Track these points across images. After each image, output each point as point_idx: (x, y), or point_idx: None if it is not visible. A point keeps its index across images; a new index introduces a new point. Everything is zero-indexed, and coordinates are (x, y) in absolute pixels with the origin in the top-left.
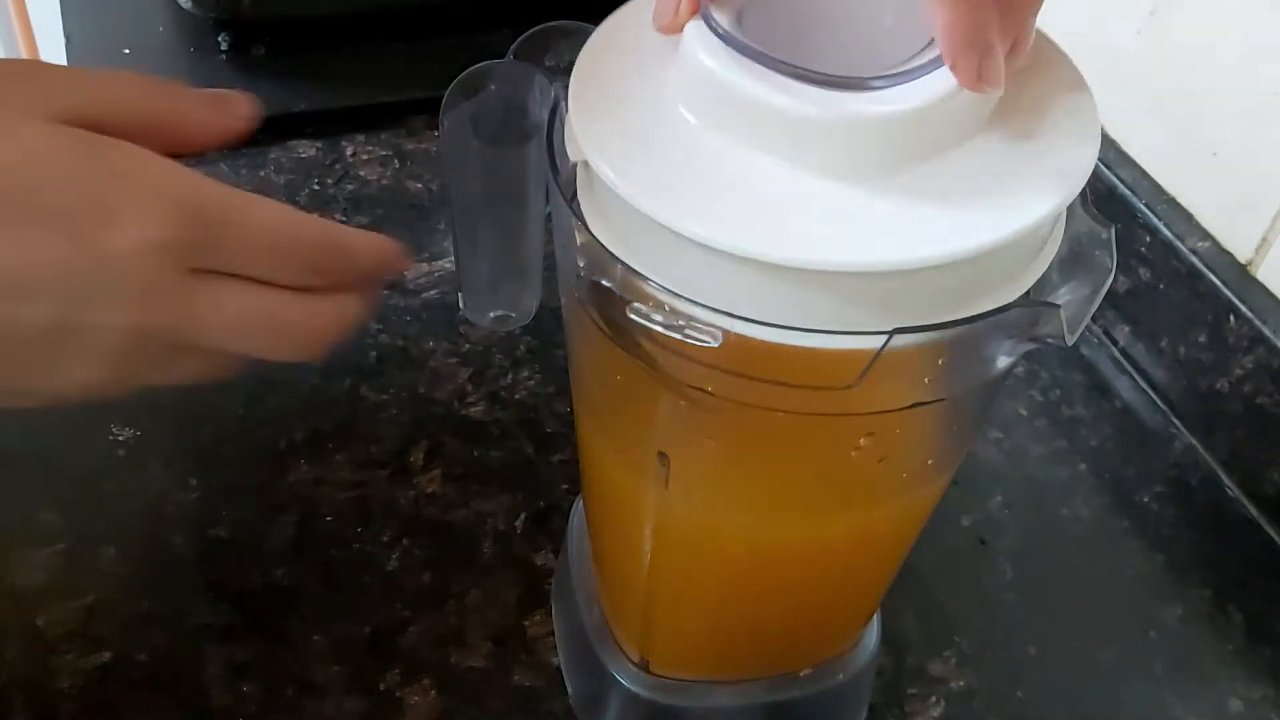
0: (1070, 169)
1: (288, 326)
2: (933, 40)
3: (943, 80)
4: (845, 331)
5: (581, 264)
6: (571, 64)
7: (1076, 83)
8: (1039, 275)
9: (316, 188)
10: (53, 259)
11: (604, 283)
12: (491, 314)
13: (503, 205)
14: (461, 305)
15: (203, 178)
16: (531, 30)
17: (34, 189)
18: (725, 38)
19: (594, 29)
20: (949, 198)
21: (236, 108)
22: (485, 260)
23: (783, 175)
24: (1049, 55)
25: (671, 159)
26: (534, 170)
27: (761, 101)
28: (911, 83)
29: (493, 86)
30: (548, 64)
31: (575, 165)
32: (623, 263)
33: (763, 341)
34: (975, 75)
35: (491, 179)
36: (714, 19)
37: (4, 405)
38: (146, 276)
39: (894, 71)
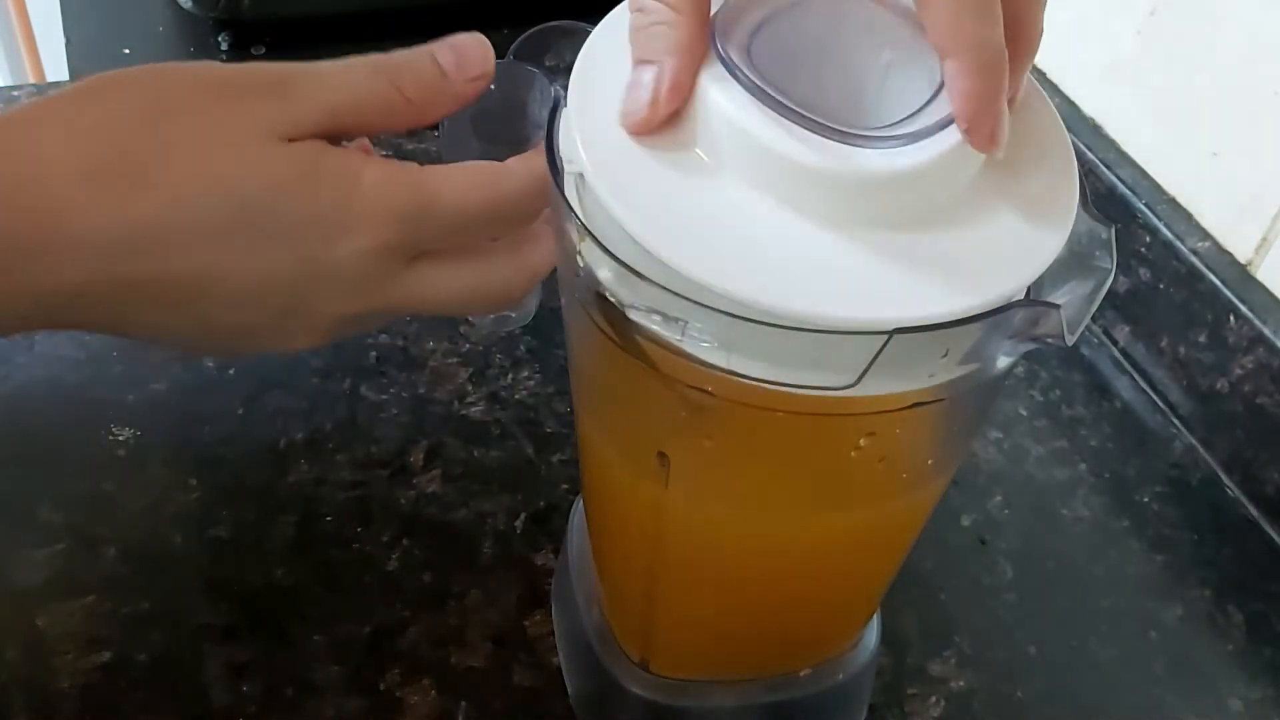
0: (1042, 246)
1: (486, 294)
2: (937, 92)
3: (939, 144)
4: (843, 331)
5: (581, 264)
6: (572, 64)
7: (1055, 127)
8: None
9: None
10: (284, 269)
11: (603, 284)
12: (491, 314)
13: None
14: None
15: (403, 172)
16: (531, 30)
17: (264, 212)
18: (737, 75)
19: (594, 29)
20: (926, 263)
21: (465, 71)
22: None
23: (777, 218)
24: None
25: (668, 186)
26: None
27: (770, 148)
28: (913, 145)
29: (492, 86)
30: (548, 64)
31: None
32: (623, 263)
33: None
34: (990, 139)
35: None
36: (727, 53)
37: (219, 358)
38: (365, 275)
39: (899, 132)
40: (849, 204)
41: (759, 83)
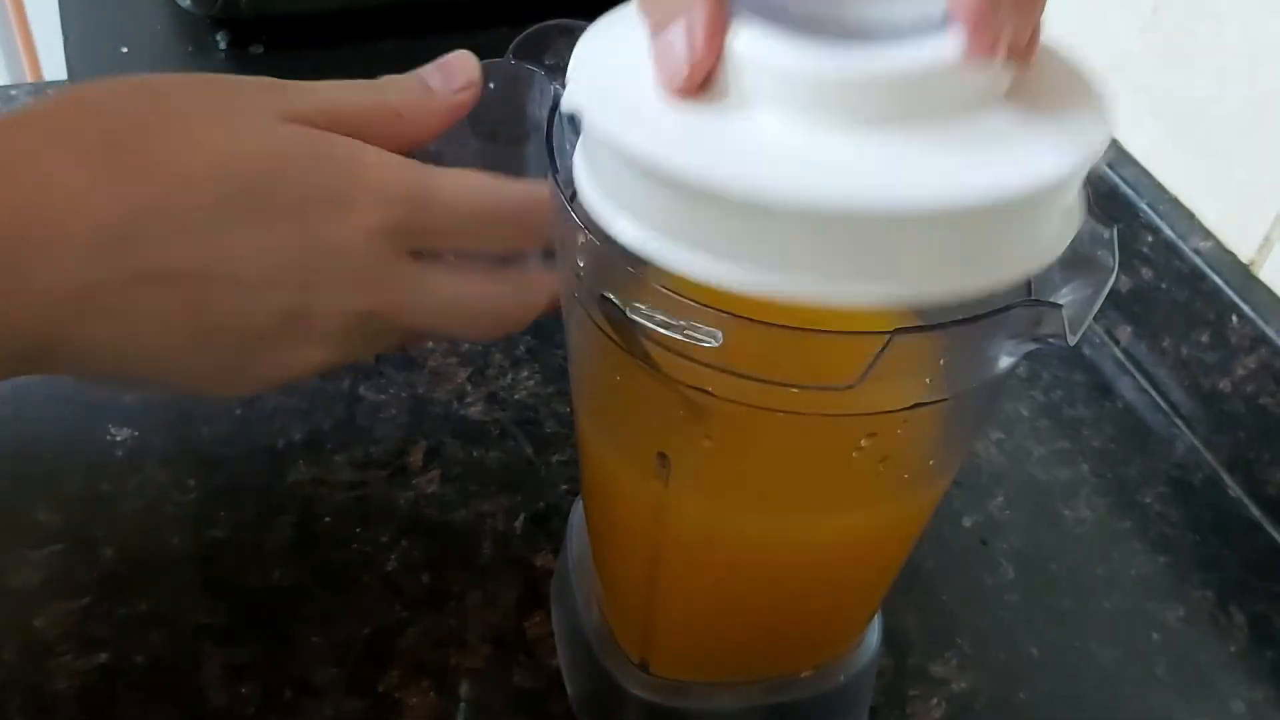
0: (1089, 135)
1: (486, 311)
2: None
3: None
4: (844, 332)
5: (581, 264)
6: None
7: (1084, 75)
8: (1061, 248)
9: None
10: (288, 250)
11: (603, 283)
12: (491, 335)
13: None
14: None
15: (405, 163)
16: (530, 29)
17: (269, 186)
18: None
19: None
20: (965, 152)
21: (452, 83)
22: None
23: (789, 127)
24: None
25: (669, 109)
26: (533, 169)
27: (776, 60)
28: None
29: (491, 85)
30: (547, 63)
31: (572, 162)
32: (623, 262)
33: (763, 341)
34: (991, 44)
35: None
36: None
37: (226, 393)
38: (369, 261)
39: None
40: (884, 101)
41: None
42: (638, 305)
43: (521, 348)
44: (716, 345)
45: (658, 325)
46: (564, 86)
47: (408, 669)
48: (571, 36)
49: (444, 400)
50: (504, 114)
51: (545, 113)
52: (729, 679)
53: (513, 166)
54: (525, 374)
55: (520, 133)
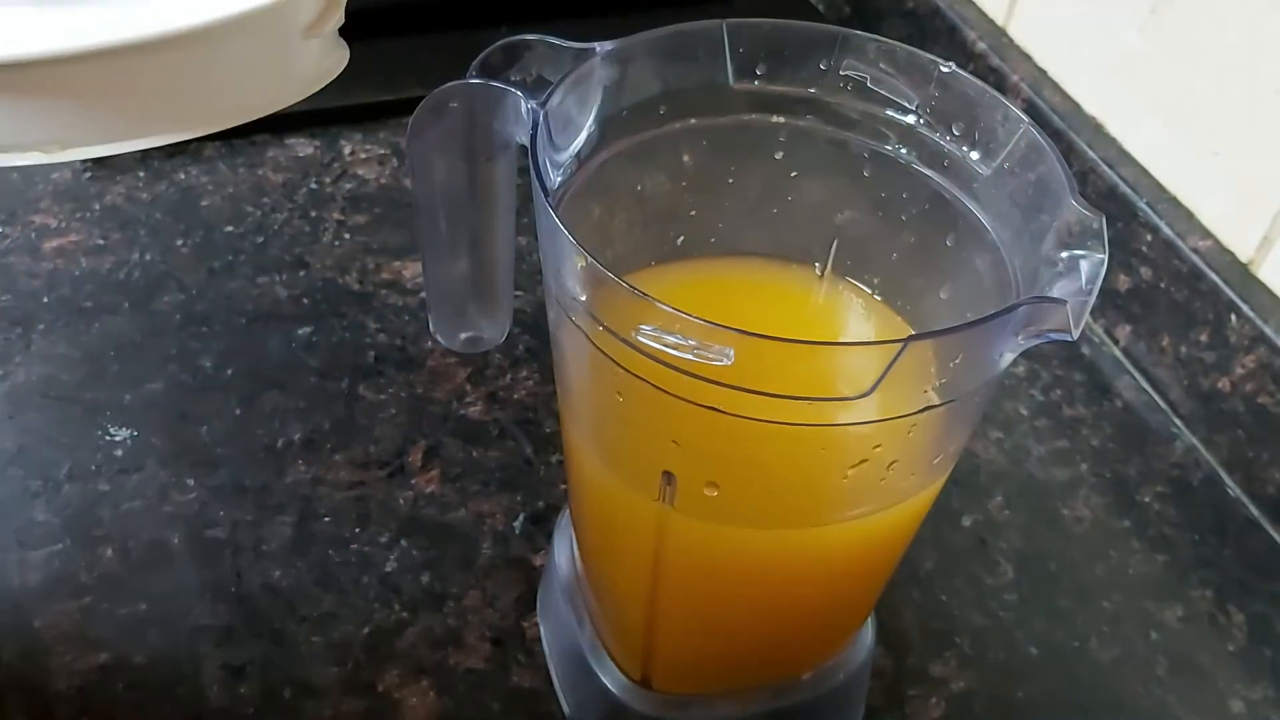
0: None
1: None
2: None
3: None
4: (855, 343)
5: (581, 288)
6: (540, 78)
7: None
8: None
9: (314, 187)
10: None
11: (605, 307)
12: (462, 335)
13: (472, 226)
14: (431, 327)
15: None
16: (492, 47)
17: None
18: None
19: (559, 42)
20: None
21: None
22: (456, 282)
23: None
24: None
25: None
26: (502, 190)
27: None
28: None
29: (454, 105)
30: (514, 78)
31: (563, 187)
32: (627, 284)
33: (775, 355)
34: None
35: (459, 200)
36: None
37: None
38: None
39: None
40: None
41: None
42: (645, 327)
43: (521, 347)
44: (729, 364)
45: (667, 346)
46: (541, 105)
47: (407, 669)
48: (535, 51)
49: (443, 400)
50: (470, 135)
51: (519, 133)
52: (733, 689)
53: (482, 187)
54: (525, 374)
55: (489, 152)
